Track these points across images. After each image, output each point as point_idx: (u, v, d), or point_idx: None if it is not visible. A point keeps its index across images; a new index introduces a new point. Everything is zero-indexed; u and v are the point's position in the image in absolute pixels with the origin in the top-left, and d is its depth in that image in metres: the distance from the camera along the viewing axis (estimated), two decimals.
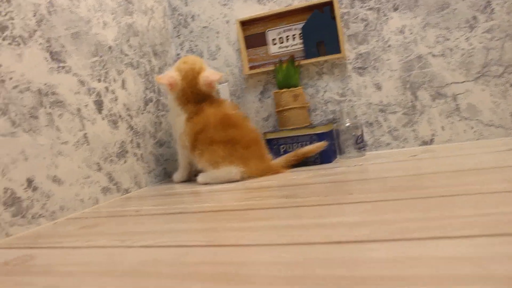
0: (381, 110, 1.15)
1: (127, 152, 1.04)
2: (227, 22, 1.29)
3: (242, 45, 1.24)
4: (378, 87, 1.15)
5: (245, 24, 1.25)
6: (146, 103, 1.15)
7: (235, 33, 1.28)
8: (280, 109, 1.13)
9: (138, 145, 1.09)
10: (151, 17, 1.24)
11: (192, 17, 1.33)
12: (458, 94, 1.08)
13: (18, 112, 0.75)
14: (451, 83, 1.08)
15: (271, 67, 1.22)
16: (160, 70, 1.25)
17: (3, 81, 0.73)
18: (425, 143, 1.12)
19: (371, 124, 1.16)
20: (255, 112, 1.28)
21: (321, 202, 0.63)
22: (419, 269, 0.34)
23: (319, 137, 1.05)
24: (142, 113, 1.13)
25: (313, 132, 1.06)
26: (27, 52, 0.78)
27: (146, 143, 1.13)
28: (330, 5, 1.15)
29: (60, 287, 0.42)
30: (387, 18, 1.12)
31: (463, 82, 1.07)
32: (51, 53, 0.84)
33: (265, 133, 1.11)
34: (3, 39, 0.74)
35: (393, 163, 0.91)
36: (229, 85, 1.30)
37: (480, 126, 1.07)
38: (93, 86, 0.95)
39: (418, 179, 0.69)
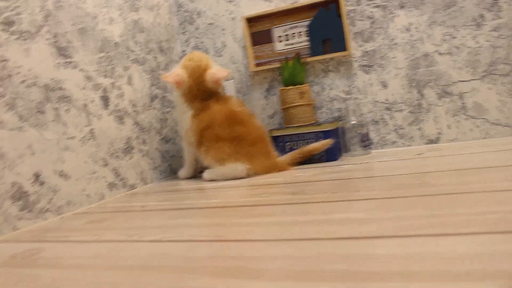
0: (387, 108, 1.15)
1: (133, 148, 1.04)
2: (233, 19, 1.28)
3: (248, 42, 1.24)
4: (384, 85, 1.14)
5: (251, 21, 1.24)
6: (152, 99, 1.15)
7: (241, 30, 1.28)
8: (286, 106, 1.13)
9: (144, 141, 1.09)
10: (157, 14, 1.24)
11: (198, 13, 1.33)
12: (464, 93, 1.07)
13: (25, 106, 0.75)
14: (457, 82, 1.08)
15: (277, 64, 1.22)
16: (166, 67, 1.25)
17: (10, 76, 0.73)
18: (431, 141, 1.11)
19: (377, 122, 1.16)
20: (261, 109, 1.28)
21: (328, 199, 0.63)
22: (424, 265, 0.34)
23: (325, 134, 1.05)
24: (148, 109, 1.13)
25: (319, 130, 1.05)
26: (34, 47, 0.78)
27: (152, 139, 1.13)
28: (336, 2, 1.14)
29: (67, 280, 0.43)
30: (393, 16, 1.12)
31: (470, 80, 1.07)
32: (58, 48, 0.84)
33: (270, 130, 1.11)
34: (11, 34, 0.74)
35: (399, 161, 0.91)
36: (235, 82, 1.30)
37: (486, 125, 1.06)
38: (100, 81, 0.95)
39: (424, 177, 0.69)
